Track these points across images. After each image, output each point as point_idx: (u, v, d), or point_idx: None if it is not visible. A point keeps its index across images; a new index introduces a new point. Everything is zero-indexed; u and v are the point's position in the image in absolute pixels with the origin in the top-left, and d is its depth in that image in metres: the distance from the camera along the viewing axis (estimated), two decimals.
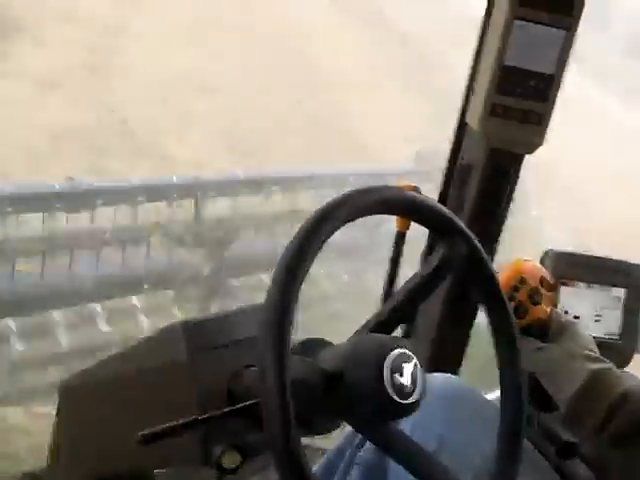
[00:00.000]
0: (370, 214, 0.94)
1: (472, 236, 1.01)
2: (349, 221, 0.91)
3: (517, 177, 1.55)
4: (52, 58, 7.79)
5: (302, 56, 8.99)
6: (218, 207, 6.37)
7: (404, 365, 0.89)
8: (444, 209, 1.00)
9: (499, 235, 1.56)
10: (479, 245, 1.02)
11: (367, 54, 9.63)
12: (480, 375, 1.56)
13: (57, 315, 5.26)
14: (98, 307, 5.44)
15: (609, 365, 1.28)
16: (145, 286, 5.72)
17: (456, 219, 1.01)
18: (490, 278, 1.03)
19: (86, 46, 8.10)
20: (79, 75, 7.75)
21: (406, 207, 0.99)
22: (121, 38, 8.40)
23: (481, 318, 1.58)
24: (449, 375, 1.32)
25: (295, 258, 0.85)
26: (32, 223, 5.35)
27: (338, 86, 8.88)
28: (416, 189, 1.23)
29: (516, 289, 1.32)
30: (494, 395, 1.35)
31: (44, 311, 5.25)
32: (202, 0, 9.08)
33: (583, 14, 1.40)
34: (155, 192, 6.03)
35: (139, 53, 8.25)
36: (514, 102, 1.42)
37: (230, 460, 0.96)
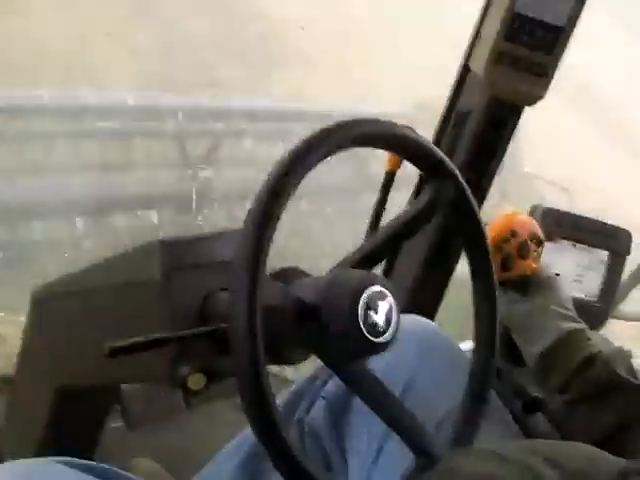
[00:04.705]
0: (360, 145, 0.91)
1: (462, 181, 0.99)
2: (337, 151, 0.88)
3: (514, 129, 1.52)
4: None
5: None
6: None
7: (380, 303, 0.87)
8: (436, 149, 0.98)
9: (489, 186, 1.53)
10: (468, 191, 1.00)
11: None
12: (454, 325, 1.55)
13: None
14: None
15: (582, 326, 1.27)
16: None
17: (448, 161, 0.98)
18: (476, 226, 1.02)
19: None
20: None
21: (397, 142, 0.96)
22: None
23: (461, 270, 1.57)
24: (425, 320, 1.31)
25: (276, 185, 0.83)
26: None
27: None
28: (410, 129, 1.20)
29: (506, 241, 1.31)
30: (465, 346, 1.35)
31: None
32: None
33: None
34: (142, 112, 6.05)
35: None
36: (521, 51, 1.38)
37: (196, 382, 0.95)
